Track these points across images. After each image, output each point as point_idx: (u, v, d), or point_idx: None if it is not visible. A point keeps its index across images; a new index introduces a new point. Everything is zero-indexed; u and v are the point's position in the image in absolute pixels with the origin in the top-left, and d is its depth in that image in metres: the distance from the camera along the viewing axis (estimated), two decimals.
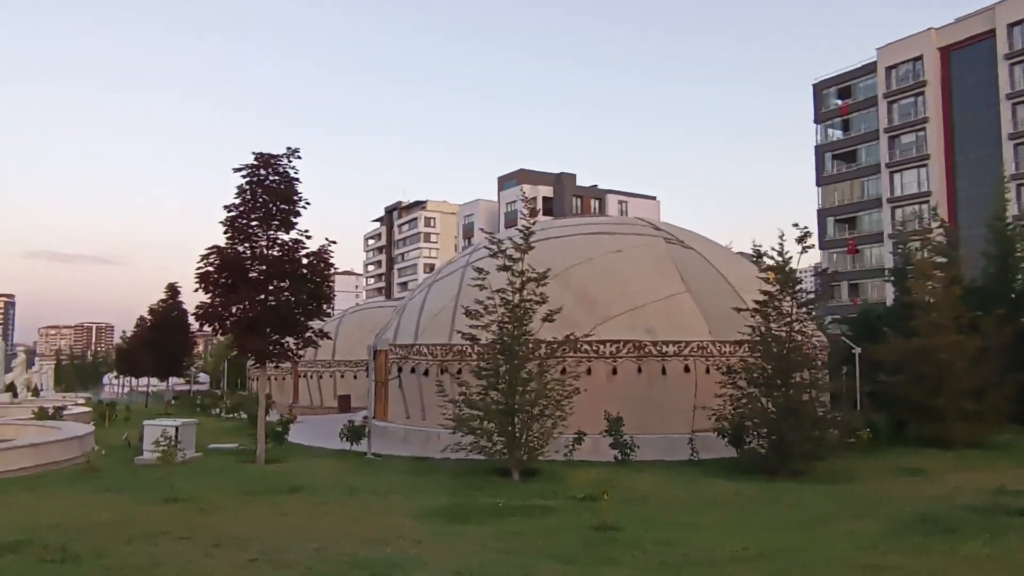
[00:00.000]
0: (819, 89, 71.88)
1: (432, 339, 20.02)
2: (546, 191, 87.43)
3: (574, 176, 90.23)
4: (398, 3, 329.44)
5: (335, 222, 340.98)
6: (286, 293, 15.83)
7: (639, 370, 17.58)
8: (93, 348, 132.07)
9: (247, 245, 16.41)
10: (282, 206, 16.33)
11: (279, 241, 16.35)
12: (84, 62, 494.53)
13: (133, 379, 52.65)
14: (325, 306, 16.39)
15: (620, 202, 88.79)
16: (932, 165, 61.55)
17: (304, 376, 33.74)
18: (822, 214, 69.28)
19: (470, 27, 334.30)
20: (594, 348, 17.52)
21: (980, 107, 59.19)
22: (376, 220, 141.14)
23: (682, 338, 18.19)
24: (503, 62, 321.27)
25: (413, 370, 20.27)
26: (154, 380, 63.30)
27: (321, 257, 16.31)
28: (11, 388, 35.68)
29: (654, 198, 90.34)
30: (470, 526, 9.77)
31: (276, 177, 16.24)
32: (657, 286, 19.32)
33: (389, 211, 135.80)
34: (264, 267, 15.80)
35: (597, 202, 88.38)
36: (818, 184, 70.85)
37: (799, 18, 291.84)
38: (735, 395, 15.03)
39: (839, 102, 70.51)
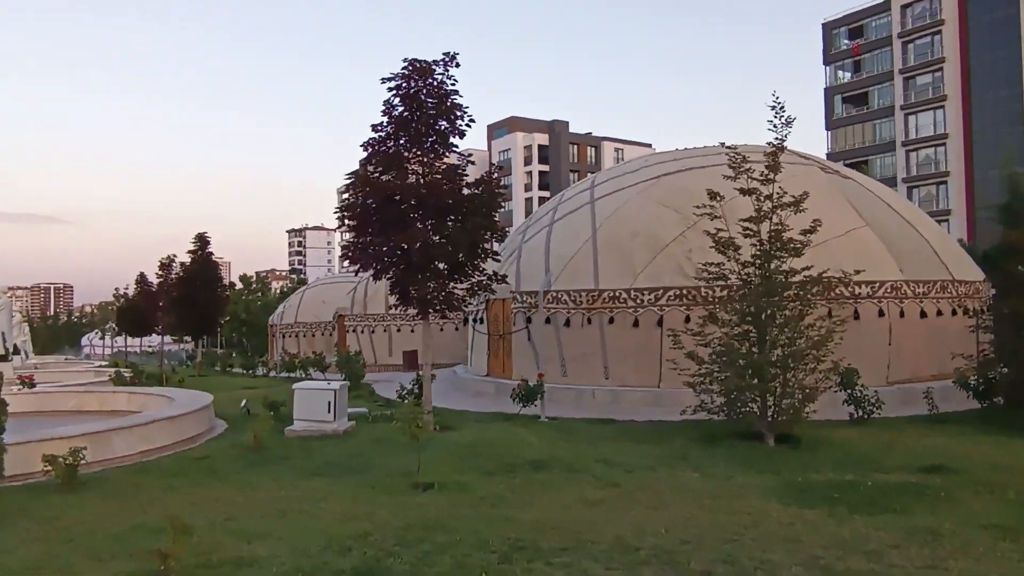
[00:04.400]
0: (828, 29, 69.86)
1: (572, 284, 17.53)
2: (541, 139, 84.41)
3: (567, 123, 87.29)
4: None
5: (308, 173, 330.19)
6: (449, 228, 13.13)
7: (856, 315, 15.41)
8: (53, 309, 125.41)
9: (394, 173, 13.67)
10: (440, 124, 13.55)
11: (437, 167, 13.61)
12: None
13: (131, 339, 49.03)
14: (498, 243, 13.73)
15: (616, 149, 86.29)
16: (949, 106, 60.31)
17: (354, 331, 30.96)
18: (832, 158, 67.79)
19: None
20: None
21: (1000, 46, 57.89)
22: (350, 174, 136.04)
23: (875, 278, 16.02)
24: (483, 4, 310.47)
25: (548, 320, 17.79)
26: (145, 341, 59.69)
27: (490, 184, 13.60)
28: (16, 351, 32.15)
29: (650, 145, 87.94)
30: (859, 516, 7.44)
31: (431, 89, 13.42)
32: (833, 220, 17.04)
33: (363, 163, 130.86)
34: (422, 198, 13.04)
35: (593, 150, 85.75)
36: (828, 128, 69.28)
37: None
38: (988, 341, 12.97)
39: (849, 42, 68.66)
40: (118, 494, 8.81)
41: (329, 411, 12.70)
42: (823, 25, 70.24)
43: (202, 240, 31.19)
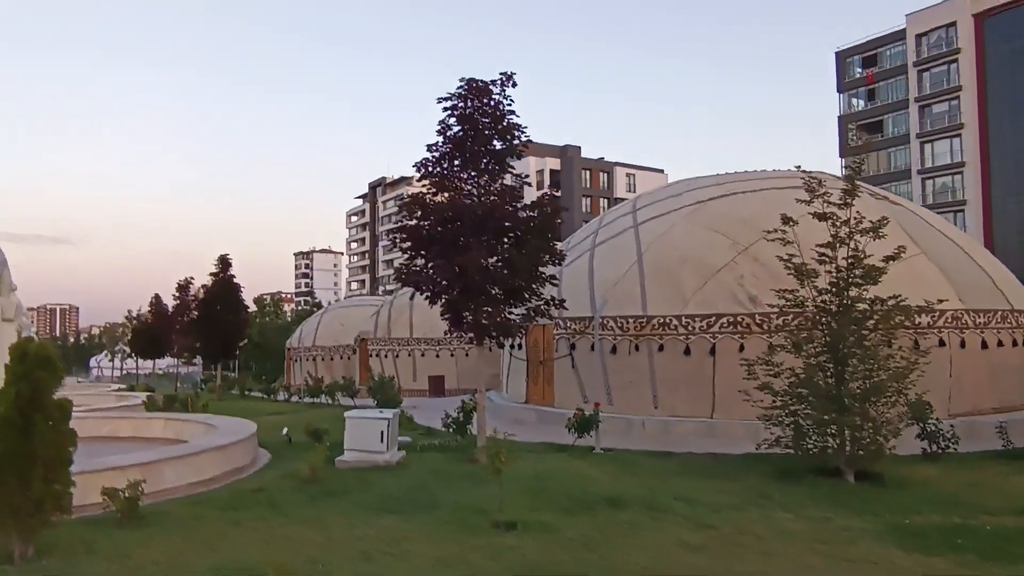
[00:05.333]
0: (842, 57, 69.94)
1: (619, 310, 17.05)
2: (553, 163, 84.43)
3: (579, 148, 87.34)
4: None
5: (315, 199, 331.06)
6: (506, 251, 12.70)
7: (917, 345, 14.89)
8: (59, 330, 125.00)
9: (448, 194, 13.30)
10: (496, 145, 13.19)
11: (493, 188, 13.22)
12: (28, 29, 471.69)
13: (142, 361, 48.48)
14: (557, 267, 13.28)
15: (628, 175, 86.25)
16: (966, 134, 60.12)
17: (377, 355, 30.43)
18: None
19: None
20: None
21: (1017, 75, 57.82)
22: (359, 197, 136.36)
23: (935, 307, 15.50)
24: (493, 32, 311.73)
25: (593, 347, 17.30)
26: (154, 362, 59.05)
27: (549, 206, 13.18)
28: None
29: (662, 171, 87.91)
30: (993, 565, 6.90)
31: (488, 109, 13.08)
32: (888, 247, 16.60)
33: (373, 187, 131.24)
34: (481, 220, 12.60)
35: (606, 175, 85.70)
36: (842, 155, 68.94)
37: None
38: None
39: (863, 71, 68.70)
40: (181, 529, 8.27)
41: (381, 441, 12.17)
42: (837, 54, 70.30)
43: (224, 262, 30.80)
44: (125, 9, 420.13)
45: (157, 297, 42.06)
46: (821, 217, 11.58)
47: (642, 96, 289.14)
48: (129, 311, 55.14)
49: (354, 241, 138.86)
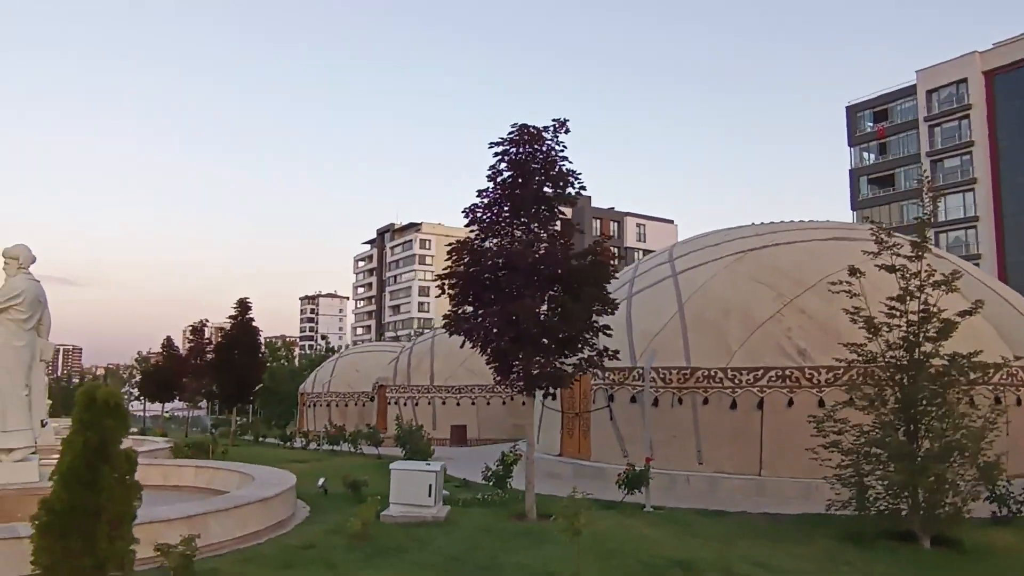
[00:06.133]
0: (853, 112, 70.72)
1: (660, 362, 16.62)
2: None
3: (589, 198, 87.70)
4: (395, 10, 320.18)
5: (321, 244, 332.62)
6: (560, 300, 12.37)
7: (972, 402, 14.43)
8: (60, 371, 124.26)
9: (496, 241, 13.05)
10: (547, 191, 12.99)
11: (543, 236, 12.95)
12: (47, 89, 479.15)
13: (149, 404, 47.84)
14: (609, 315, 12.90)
15: (639, 225, 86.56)
16: (979, 189, 60.35)
17: (396, 402, 29.87)
18: None
19: (465, 37, 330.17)
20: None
21: None
22: (367, 242, 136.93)
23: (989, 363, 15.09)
24: (501, 80, 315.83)
25: (633, 399, 16.84)
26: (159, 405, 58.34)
27: (600, 254, 12.90)
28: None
29: (672, 222, 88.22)
30: None
31: (540, 156, 12.91)
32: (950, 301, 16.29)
33: (381, 233, 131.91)
34: (533, 268, 12.29)
35: (616, 224, 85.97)
36: (853, 208, 69.32)
37: (818, 45, 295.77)
38: None
39: (874, 125, 69.37)
40: None
41: (429, 495, 11.66)
42: (847, 108, 71.13)
43: (243, 305, 30.47)
44: (130, 60, 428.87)
45: (169, 339, 41.64)
46: (890, 269, 11.26)
47: (652, 147, 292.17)
48: (139, 352, 54.62)
49: (361, 286, 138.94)
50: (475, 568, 8.90)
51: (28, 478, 11.37)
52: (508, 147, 12.90)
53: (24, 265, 11.81)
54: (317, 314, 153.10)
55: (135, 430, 35.45)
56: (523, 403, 29.19)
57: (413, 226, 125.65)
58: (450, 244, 13.23)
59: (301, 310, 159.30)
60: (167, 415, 54.42)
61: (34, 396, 11.85)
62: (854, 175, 69.81)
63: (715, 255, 18.66)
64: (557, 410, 19.14)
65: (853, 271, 11.45)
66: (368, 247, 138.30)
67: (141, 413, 56.29)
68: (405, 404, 29.53)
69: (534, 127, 12.93)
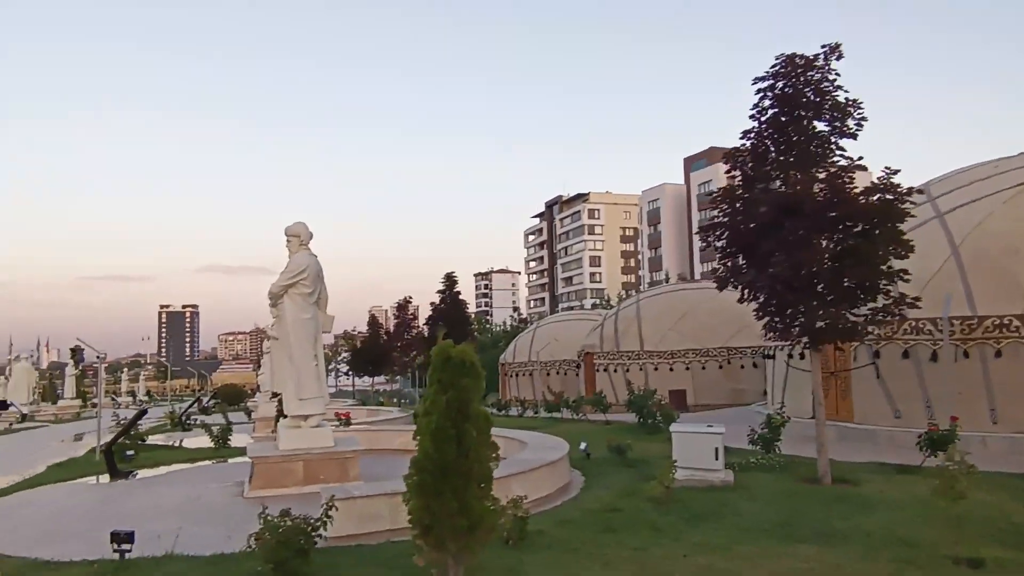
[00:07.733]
0: None
1: (936, 312, 14.87)
2: None
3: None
4: None
5: (492, 220, 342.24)
6: (850, 245, 11.17)
7: None
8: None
9: (762, 186, 12.04)
10: (819, 128, 11.77)
11: (819, 176, 11.75)
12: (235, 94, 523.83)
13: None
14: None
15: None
16: None
17: (605, 369, 29.51)
18: None
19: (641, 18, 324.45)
20: None
21: None
22: (536, 216, 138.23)
23: None
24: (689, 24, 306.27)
25: (906, 355, 15.25)
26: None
27: (891, 191, 11.47)
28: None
29: (865, 168, 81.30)
30: None
31: (810, 88, 11.69)
32: None
33: (549, 205, 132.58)
34: (821, 210, 11.13)
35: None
36: None
37: None
38: None
39: None
40: (574, 551, 7.53)
41: (716, 458, 11.03)
42: None
43: (450, 280, 31.25)
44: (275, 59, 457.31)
45: (373, 317, 43.86)
46: None
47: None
48: (345, 331, 58.30)
49: (532, 260, 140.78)
50: (812, 533, 8.15)
51: (324, 443, 11.95)
52: (773, 81, 11.81)
53: (305, 242, 12.33)
54: (491, 289, 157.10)
55: (353, 402, 37.72)
56: (741, 366, 28.07)
57: (581, 196, 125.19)
58: (714, 193, 12.40)
59: (476, 286, 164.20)
60: (375, 388, 57.89)
61: (319, 366, 12.43)
62: None
63: (988, 190, 16.46)
64: (806, 370, 17.79)
65: None
66: (537, 220, 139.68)
67: (349, 387, 60.22)
68: (616, 371, 29.09)
69: (802, 55, 11.74)
